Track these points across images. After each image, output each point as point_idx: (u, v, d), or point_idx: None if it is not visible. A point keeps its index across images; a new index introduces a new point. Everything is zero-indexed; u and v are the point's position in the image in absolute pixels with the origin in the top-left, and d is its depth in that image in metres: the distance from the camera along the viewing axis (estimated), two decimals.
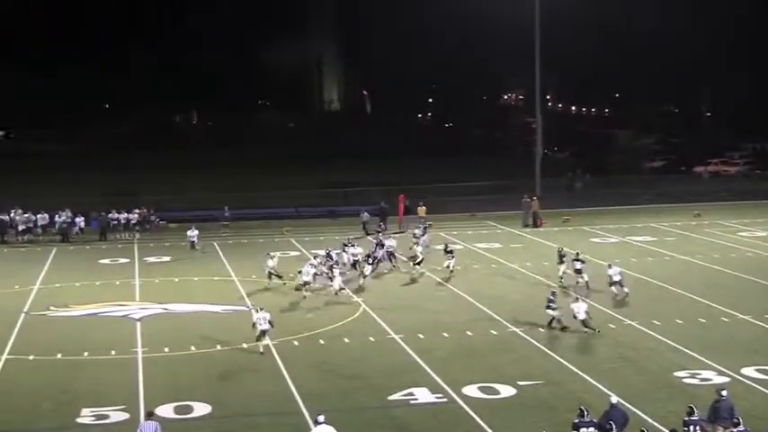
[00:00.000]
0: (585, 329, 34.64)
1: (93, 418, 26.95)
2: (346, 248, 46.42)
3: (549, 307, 35.50)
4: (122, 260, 51.37)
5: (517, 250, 52.72)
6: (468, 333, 35.34)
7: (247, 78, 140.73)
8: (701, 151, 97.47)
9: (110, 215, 59.43)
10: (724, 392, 24.13)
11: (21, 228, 57.43)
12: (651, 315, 37.23)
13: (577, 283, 41.92)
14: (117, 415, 27.12)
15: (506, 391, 28.75)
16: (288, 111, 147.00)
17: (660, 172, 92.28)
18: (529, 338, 34.42)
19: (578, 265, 42.25)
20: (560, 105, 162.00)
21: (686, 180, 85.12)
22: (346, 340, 34.63)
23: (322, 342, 34.44)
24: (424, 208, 59.47)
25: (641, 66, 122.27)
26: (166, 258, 51.59)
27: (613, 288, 40.61)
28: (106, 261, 51.26)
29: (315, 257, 44.56)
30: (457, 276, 45.32)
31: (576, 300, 35.72)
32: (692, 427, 22.59)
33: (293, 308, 39.87)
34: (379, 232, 51.03)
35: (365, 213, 59.35)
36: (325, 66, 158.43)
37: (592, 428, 22.60)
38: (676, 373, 30.12)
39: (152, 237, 58.67)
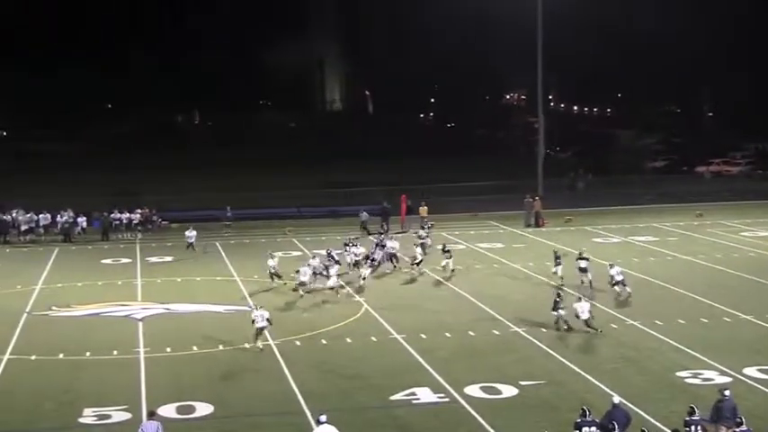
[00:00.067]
0: (588, 329, 34.63)
1: (95, 418, 26.96)
2: (348, 248, 46.36)
3: (555, 308, 35.43)
4: (124, 260, 51.39)
5: (519, 250, 52.71)
6: (471, 333, 35.33)
7: (249, 78, 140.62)
8: (703, 151, 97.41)
9: (112, 215, 59.47)
10: (727, 392, 24.11)
11: (23, 228, 57.43)
12: (653, 315, 37.21)
13: (582, 282, 41.88)
14: (119, 415, 27.13)
15: (508, 390, 28.74)
16: (289, 111, 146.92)
17: (662, 172, 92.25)
18: (531, 338, 34.41)
19: (583, 264, 42.20)
20: (562, 105, 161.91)
21: (688, 180, 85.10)
22: (348, 340, 34.63)
23: (324, 342, 34.44)
24: (425, 208, 59.50)
25: (643, 66, 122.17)
26: (168, 258, 51.61)
27: (616, 288, 40.58)
28: (108, 261, 51.28)
29: (313, 257, 44.54)
30: (459, 276, 45.31)
31: (579, 299, 35.71)
32: (693, 427, 22.58)
33: (295, 308, 39.87)
34: (381, 234, 50.92)
35: (364, 213, 59.35)
36: (327, 66, 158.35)
37: (594, 428, 22.60)
38: (678, 373, 30.12)
39: (154, 237, 58.70)
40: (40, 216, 58.34)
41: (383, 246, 47.66)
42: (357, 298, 41.12)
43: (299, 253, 51.24)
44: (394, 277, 45.77)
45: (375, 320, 37.45)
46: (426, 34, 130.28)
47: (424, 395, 28.48)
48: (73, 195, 66.24)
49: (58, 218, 58.29)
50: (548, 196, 66.25)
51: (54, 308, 40.16)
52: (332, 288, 41.26)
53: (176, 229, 59.66)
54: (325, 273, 42.12)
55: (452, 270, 45.33)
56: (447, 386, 29.08)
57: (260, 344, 33.21)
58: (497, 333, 35.37)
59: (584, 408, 23.13)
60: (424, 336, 34.91)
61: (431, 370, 30.77)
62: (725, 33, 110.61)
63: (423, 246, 48.75)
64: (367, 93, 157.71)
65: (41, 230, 58.09)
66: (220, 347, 33.76)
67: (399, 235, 56.15)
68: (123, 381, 30.19)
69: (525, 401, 27.90)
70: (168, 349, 33.50)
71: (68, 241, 57.07)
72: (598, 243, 54.54)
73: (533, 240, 56.11)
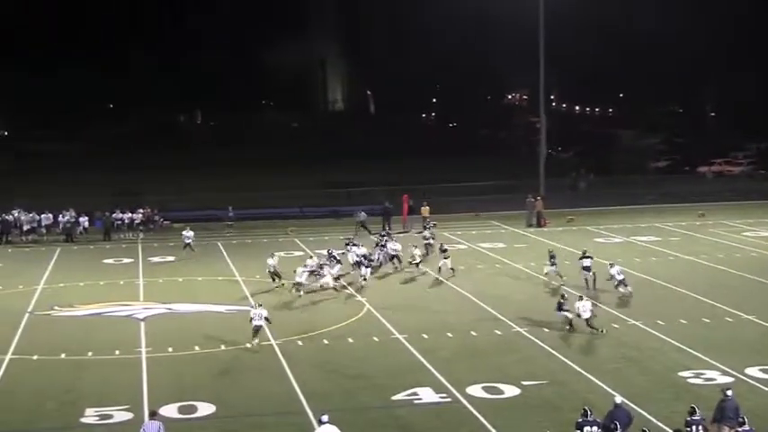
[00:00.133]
0: (589, 329, 34.61)
1: (97, 418, 26.96)
2: (350, 248, 46.28)
3: (560, 308, 35.39)
4: (126, 260, 51.41)
5: (521, 250, 52.69)
6: (473, 333, 35.33)
7: (250, 78, 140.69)
8: (705, 151, 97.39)
9: (114, 215, 59.44)
10: (729, 392, 24.12)
11: (25, 228, 57.45)
12: (655, 315, 37.20)
13: (585, 280, 41.85)
14: (121, 415, 27.14)
15: (510, 390, 28.74)
16: (291, 111, 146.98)
17: (664, 172, 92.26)
18: (533, 338, 34.40)
19: (586, 263, 42.15)
20: (564, 105, 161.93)
21: (690, 180, 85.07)
22: (350, 340, 34.63)
23: (326, 342, 34.44)
24: (427, 208, 59.49)
25: (645, 66, 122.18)
26: (170, 258, 51.61)
27: (620, 288, 40.57)
28: (110, 261, 51.29)
29: (310, 258, 44.56)
30: (461, 276, 45.30)
31: (580, 298, 35.68)
32: (694, 427, 22.56)
33: (296, 308, 39.87)
34: (383, 235, 50.86)
35: (362, 213, 59.30)
36: (329, 66, 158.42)
37: (595, 427, 22.60)
38: (680, 373, 30.11)
39: (156, 237, 58.70)
40: (42, 216, 58.31)
41: (383, 246, 47.68)
42: (359, 298, 41.13)
43: (301, 253, 51.20)
44: (396, 277, 45.78)
45: (377, 320, 37.45)
46: (428, 34, 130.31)
47: (426, 395, 28.48)
48: (73, 195, 66.21)
49: (60, 218, 58.29)
50: (549, 196, 66.23)
51: (56, 308, 40.18)
52: (323, 287, 41.34)
53: (178, 229, 59.50)
54: (319, 272, 42.14)
55: (452, 269, 45.27)
56: (449, 386, 29.08)
57: (256, 342, 33.29)
58: (499, 333, 35.37)
59: (586, 408, 23.14)
60: (425, 336, 34.90)
61: (433, 370, 30.76)
62: (727, 33, 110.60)
63: (428, 246, 48.72)
64: (369, 93, 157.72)
65: (43, 230, 58.07)
66: (222, 347, 33.76)
67: (401, 235, 56.23)
68: (125, 380, 30.20)
69: (527, 401, 27.89)
70: (170, 349, 33.51)
71: (70, 241, 57.09)
72: (600, 243, 54.51)
73: (535, 240, 56.08)
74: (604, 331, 34.73)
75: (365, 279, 43.21)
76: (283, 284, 42.81)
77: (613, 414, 23.25)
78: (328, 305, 40.32)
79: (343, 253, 45.75)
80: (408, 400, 28.10)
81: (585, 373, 30.21)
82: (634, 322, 36.37)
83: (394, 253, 47.03)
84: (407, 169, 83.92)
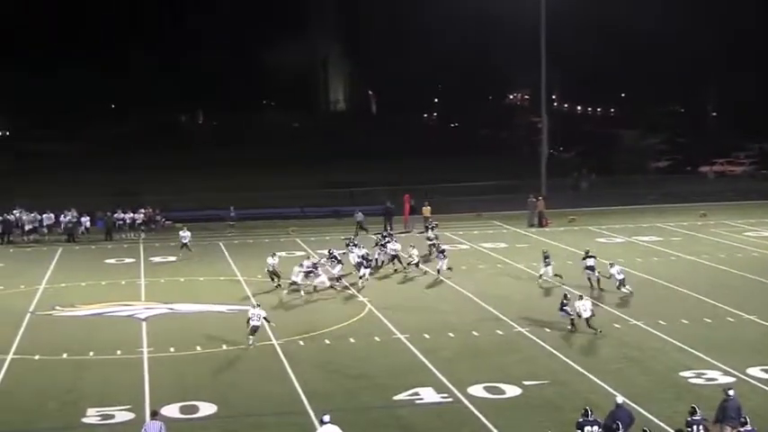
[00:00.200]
0: (588, 328, 34.59)
1: (99, 418, 26.97)
2: (351, 249, 46.22)
3: (562, 308, 35.37)
4: (128, 260, 51.42)
5: (523, 250, 52.67)
6: (474, 333, 35.33)
7: (251, 78, 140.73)
8: (706, 151, 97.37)
9: (115, 215, 59.46)
10: (731, 392, 24.13)
11: (27, 228, 57.48)
12: (657, 315, 37.19)
13: (589, 280, 41.81)
14: (122, 415, 27.15)
15: (512, 390, 28.74)
16: (292, 111, 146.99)
17: (666, 172, 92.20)
18: (534, 338, 34.40)
19: (590, 263, 42.11)
20: (566, 105, 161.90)
21: (692, 180, 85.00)
22: (352, 340, 34.63)
23: (327, 342, 34.44)
24: (429, 208, 59.47)
25: (646, 66, 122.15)
26: (172, 258, 51.61)
27: (623, 288, 40.56)
28: (112, 261, 51.31)
29: (308, 258, 44.56)
30: (462, 276, 45.32)
31: (580, 297, 35.65)
32: (695, 427, 22.57)
33: (298, 308, 39.88)
34: (385, 236, 50.85)
35: (359, 213, 59.23)
36: (330, 66, 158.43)
37: (596, 427, 22.60)
38: (682, 373, 30.11)
39: (157, 237, 58.69)
40: (44, 216, 58.37)
41: (384, 246, 47.66)
42: (360, 298, 41.12)
43: (303, 253, 51.20)
44: (397, 277, 45.79)
45: (378, 320, 37.45)
46: (429, 34, 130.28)
47: (428, 395, 28.48)
48: (74, 195, 66.24)
49: (62, 218, 58.34)
50: (551, 196, 66.22)
51: (57, 308, 40.19)
52: (318, 288, 41.41)
53: (180, 229, 59.62)
54: (315, 272, 42.17)
55: (449, 269, 45.24)
56: (450, 386, 29.08)
57: (251, 339, 33.43)
58: (501, 333, 35.37)
59: (587, 408, 23.14)
60: (427, 336, 34.90)
61: (434, 370, 30.77)
62: (727, 33, 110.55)
63: (432, 247, 48.72)
64: (370, 93, 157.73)
65: (45, 230, 58.12)
66: (224, 347, 33.76)
67: (403, 235, 56.24)
68: (127, 380, 30.21)
69: (529, 401, 27.89)
70: (172, 349, 33.51)
71: (72, 241, 57.11)
72: (602, 243, 54.48)
73: (537, 240, 56.05)
74: (601, 332, 34.67)
75: (366, 279, 43.15)
76: (279, 285, 42.76)
77: (615, 414, 23.25)
78: (329, 305, 40.34)
79: (344, 253, 45.75)
80: (410, 400, 28.11)
81: (587, 373, 30.21)
82: (636, 322, 36.36)
83: (394, 253, 47.00)
84: (409, 169, 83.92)
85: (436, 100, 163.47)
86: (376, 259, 47.17)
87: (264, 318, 34.01)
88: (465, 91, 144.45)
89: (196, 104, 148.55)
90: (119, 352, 33.27)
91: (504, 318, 37.35)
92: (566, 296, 36.18)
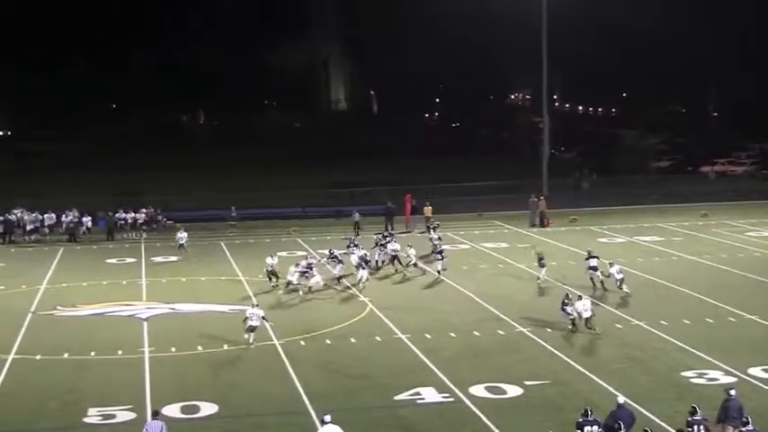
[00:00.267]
0: (587, 328, 34.56)
1: (100, 418, 26.98)
2: (353, 249, 46.14)
3: (564, 308, 35.34)
4: (129, 260, 51.43)
5: (524, 250, 52.61)
6: (476, 333, 35.32)
7: (253, 78, 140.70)
8: (707, 151, 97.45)
9: (117, 215, 59.49)
10: (733, 392, 24.13)
11: (28, 227, 57.49)
12: (658, 315, 37.18)
13: (592, 280, 41.76)
14: (124, 414, 27.15)
15: (513, 390, 28.73)
16: (294, 111, 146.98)
17: (667, 172, 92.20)
18: (536, 338, 34.39)
19: (593, 263, 42.03)
20: (567, 105, 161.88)
21: (693, 180, 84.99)
22: (353, 340, 34.63)
23: (328, 342, 34.44)
24: (430, 208, 59.47)
25: (646, 66, 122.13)
26: (173, 258, 51.61)
27: (624, 288, 40.54)
28: (113, 261, 51.31)
29: (305, 258, 44.56)
30: (464, 276, 45.35)
31: (580, 298, 35.61)
32: (695, 427, 22.57)
33: (299, 308, 39.89)
34: (386, 235, 50.84)
35: (356, 213, 59.19)
36: (332, 66, 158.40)
37: (595, 427, 22.58)
38: (683, 373, 30.10)
39: (159, 236, 58.68)
40: (45, 216, 58.40)
41: (384, 246, 47.63)
42: (361, 298, 41.11)
43: (304, 252, 51.19)
44: (397, 277, 45.78)
45: (379, 320, 37.45)
46: (431, 34, 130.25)
47: (429, 395, 28.47)
48: (74, 195, 66.20)
49: (63, 218, 58.38)
50: (552, 196, 66.22)
51: (59, 307, 40.19)
52: (312, 289, 41.46)
53: (181, 229, 59.67)
54: (309, 272, 42.19)
55: (444, 270, 45.19)
56: (452, 386, 29.07)
57: (246, 338, 33.55)
58: (502, 333, 35.36)
59: (586, 408, 23.13)
60: (428, 336, 34.90)
61: (435, 370, 30.76)
62: (729, 33, 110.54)
63: (436, 248, 48.77)
64: (372, 93, 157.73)
65: (46, 230, 58.14)
66: (225, 347, 33.77)
67: (404, 235, 56.25)
68: (128, 380, 30.21)
69: (530, 401, 27.89)
70: (173, 349, 33.52)
71: (73, 241, 57.12)
72: (603, 243, 54.45)
73: (538, 240, 55.99)
74: (597, 331, 34.63)
75: (366, 280, 43.04)
76: (277, 285, 42.70)
77: (616, 414, 23.24)
78: (330, 305, 40.34)
79: (345, 253, 45.74)
80: (411, 400, 28.10)
81: (588, 373, 30.20)
82: (637, 322, 36.35)
83: (394, 254, 46.96)
84: (410, 169, 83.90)
85: (437, 100, 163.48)
86: (377, 261, 47.13)
87: (263, 317, 34.03)
88: (466, 91, 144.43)
89: (197, 104, 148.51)
90: (120, 352, 33.27)
91: (505, 318, 37.34)
92: (567, 296, 36.15)
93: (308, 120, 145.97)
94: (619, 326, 35.92)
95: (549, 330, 35.23)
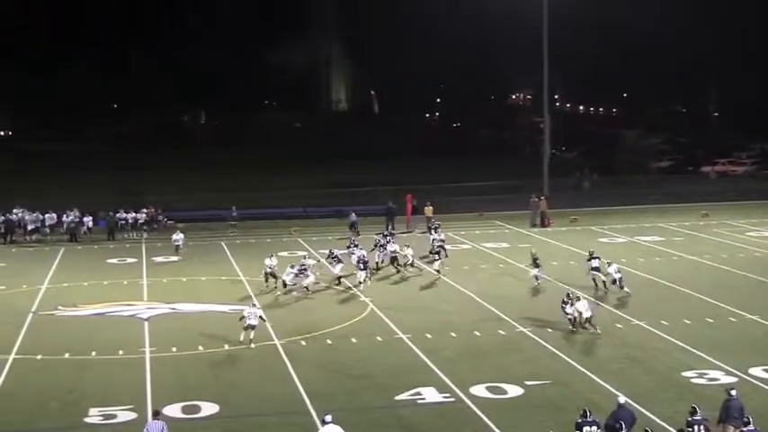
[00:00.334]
0: (586, 328, 34.52)
1: (101, 418, 26.99)
2: (353, 249, 46.05)
3: (564, 308, 35.33)
4: (130, 260, 51.44)
5: (525, 250, 52.30)
6: (476, 333, 35.33)
7: (253, 78, 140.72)
8: (708, 151, 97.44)
9: (118, 215, 59.51)
10: (733, 392, 24.14)
11: (29, 227, 57.50)
12: (659, 315, 37.18)
13: (594, 280, 41.73)
14: (124, 414, 27.16)
15: (514, 390, 28.74)
16: (294, 111, 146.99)
17: (668, 172, 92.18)
18: (536, 338, 34.40)
19: (595, 263, 41.97)
20: (568, 105, 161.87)
21: (694, 180, 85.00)
22: (354, 340, 34.64)
23: (329, 342, 34.45)
24: (431, 208, 59.47)
25: (647, 66, 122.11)
26: (174, 258, 51.64)
27: (624, 288, 40.53)
28: (114, 261, 51.32)
29: (304, 258, 44.55)
30: (464, 276, 45.35)
31: (578, 299, 35.57)
32: (696, 427, 22.58)
33: (300, 308, 39.90)
34: (386, 235, 50.85)
35: (353, 214, 59.12)
36: (333, 66, 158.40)
37: (594, 427, 22.57)
38: (684, 373, 30.10)
39: (160, 236, 58.63)
40: (46, 216, 58.41)
41: (383, 247, 47.60)
42: (362, 298, 41.12)
43: (305, 252, 51.19)
44: (398, 277, 45.77)
45: (380, 320, 37.46)
46: (431, 34, 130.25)
47: (430, 395, 28.48)
48: (74, 195, 66.20)
49: (64, 217, 58.38)
50: (553, 196, 66.19)
51: (60, 307, 40.21)
52: (309, 289, 41.59)
53: (182, 229, 59.61)
54: (304, 272, 42.23)
55: (437, 271, 45.13)
56: (452, 386, 29.08)
57: (243, 337, 33.60)
58: (503, 333, 35.36)
59: (585, 409, 23.10)
60: (429, 336, 34.91)
61: (436, 370, 30.77)
62: (730, 33, 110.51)
63: (440, 248, 48.78)
64: (373, 93, 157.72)
65: (47, 230, 58.17)
66: (226, 347, 33.78)
67: (404, 235, 56.26)
68: (129, 380, 30.23)
69: (531, 401, 27.90)
70: (174, 349, 33.53)
71: (74, 241, 57.13)
72: (604, 243, 54.42)
73: (539, 240, 56.03)
74: (599, 330, 34.66)
75: (364, 281, 42.95)
76: (276, 287, 42.62)
77: (617, 414, 23.24)
78: (331, 305, 40.35)
79: (345, 253, 45.72)
80: (412, 400, 28.11)
81: (589, 373, 30.21)
82: (638, 322, 36.36)
83: (394, 255, 46.93)
84: (411, 169, 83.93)
85: (438, 100, 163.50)
86: (377, 262, 47.05)
87: (260, 317, 34.06)
88: (467, 91, 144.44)
89: (197, 104, 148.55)
90: (121, 352, 33.29)
91: (505, 318, 37.35)
92: (568, 295, 36.12)
93: (309, 120, 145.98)
94: (619, 326, 35.93)
95: (549, 330, 35.23)
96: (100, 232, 58.85)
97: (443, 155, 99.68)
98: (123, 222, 59.41)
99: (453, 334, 35.17)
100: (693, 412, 22.83)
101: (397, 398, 28.28)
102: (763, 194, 72.38)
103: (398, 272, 46.33)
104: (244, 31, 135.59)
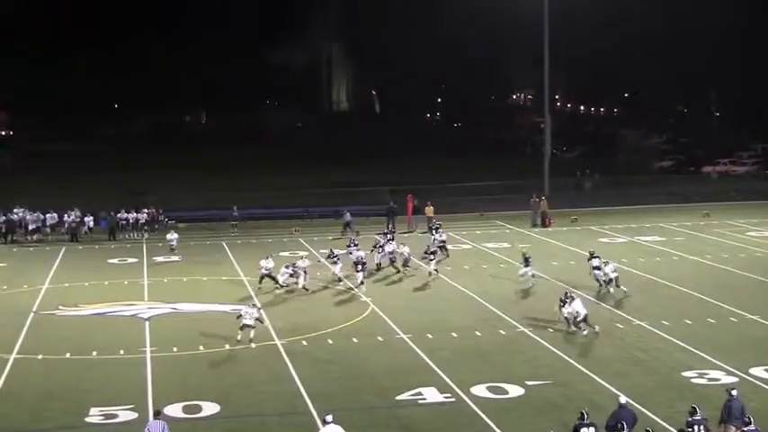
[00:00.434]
0: (580, 327, 34.48)
1: (102, 418, 27.00)
2: (351, 250, 46.00)
3: (562, 309, 35.31)
4: (131, 260, 51.46)
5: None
6: (477, 333, 35.34)
7: (254, 78, 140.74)
8: (709, 151, 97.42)
9: (119, 215, 59.54)
10: (734, 392, 24.12)
11: (30, 227, 57.54)
12: (660, 315, 37.19)
13: (597, 280, 41.72)
14: (125, 414, 27.18)
15: (515, 390, 28.74)
16: (295, 110, 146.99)
17: (669, 172, 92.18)
18: (537, 338, 34.40)
19: (596, 263, 41.97)
20: (569, 105, 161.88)
21: (695, 180, 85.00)
22: (354, 340, 34.65)
23: (330, 342, 34.46)
24: (431, 208, 59.46)
25: (648, 66, 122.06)
26: (175, 258, 51.66)
27: (622, 288, 40.54)
28: (115, 261, 51.35)
29: (301, 258, 44.56)
30: (465, 276, 45.36)
31: (573, 299, 35.50)
32: (696, 427, 22.57)
33: (301, 308, 39.91)
34: (386, 233, 50.90)
35: (347, 214, 59.10)
36: (334, 65, 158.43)
37: (592, 429, 22.50)
38: (685, 373, 30.10)
39: (161, 236, 58.49)
40: (47, 215, 58.46)
41: (382, 247, 47.57)
42: (363, 298, 41.13)
43: (306, 252, 51.21)
44: (399, 277, 45.76)
45: (381, 320, 37.47)
46: (433, 34, 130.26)
47: (431, 395, 28.49)
48: (76, 195, 66.32)
49: (65, 217, 58.41)
50: (554, 196, 66.23)
51: (61, 307, 40.24)
52: (306, 288, 41.67)
53: (183, 229, 59.74)
54: (297, 272, 42.26)
55: (433, 272, 45.03)
56: (453, 386, 29.08)
57: (239, 336, 33.67)
58: (503, 333, 35.37)
59: (583, 411, 23.00)
60: (430, 336, 34.92)
61: (437, 370, 30.77)
62: (731, 33, 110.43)
63: (442, 249, 48.78)
64: (374, 92, 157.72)
65: (48, 230, 58.22)
66: (227, 347, 33.79)
67: (405, 235, 56.28)
68: (130, 380, 30.24)
69: (531, 402, 27.89)
70: (175, 349, 33.55)
71: (75, 241, 57.17)
72: (605, 243, 54.43)
73: (540, 240, 56.08)
74: (597, 329, 34.68)
75: (362, 283, 42.90)
76: (277, 287, 42.57)
77: (618, 414, 23.23)
78: (332, 305, 40.37)
79: (344, 253, 45.72)
80: (412, 400, 28.12)
81: (590, 373, 30.21)
82: (638, 322, 36.36)
83: (392, 256, 46.90)
84: (411, 169, 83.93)
85: (439, 100, 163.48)
86: (378, 263, 47.01)
87: (257, 318, 34.07)
88: (468, 91, 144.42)
89: (199, 104, 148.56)
90: (122, 352, 33.31)
91: (506, 318, 37.36)
92: (566, 294, 36.09)
93: (310, 120, 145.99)
94: (620, 326, 35.93)
95: (550, 330, 35.24)
96: (101, 232, 58.87)
97: (444, 155, 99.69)
98: (124, 222, 59.44)
99: (454, 334, 35.17)
100: (693, 412, 22.83)
101: (398, 398, 28.29)
102: (764, 194, 72.42)
103: (398, 272, 46.31)
104: (245, 31, 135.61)
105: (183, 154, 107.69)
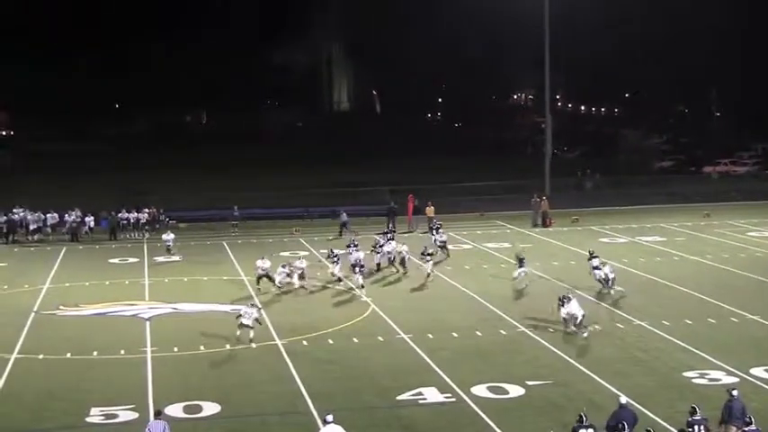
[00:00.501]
0: (576, 328, 34.46)
1: (103, 418, 27.01)
2: (351, 250, 45.95)
3: (560, 309, 35.29)
4: (132, 260, 51.47)
5: (526, 250, 52.43)
6: (478, 333, 35.34)
7: (255, 78, 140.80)
8: (710, 151, 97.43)
9: (119, 215, 59.55)
10: (735, 392, 24.11)
11: (31, 227, 57.54)
12: (660, 315, 37.19)
13: (599, 281, 41.70)
14: (126, 414, 27.18)
15: (515, 391, 28.74)
16: (296, 110, 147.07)
17: (669, 172, 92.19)
18: (538, 338, 34.40)
19: (596, 263, 41.99)
20: (570, 105, 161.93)
21: (696, 180, 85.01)
22: (355, 340, 34.65)
23: (331, 342, 34.47)
24: (432, 208, 59.45)
25: (649, 66, 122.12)
26: (176, 258, 51.65)
27: (618, 288, 40.53)
28: (116, 260, 51.35)
29: (299, 259, 44.55)
30: (466, 276, 45.36)
31: (569, 299, 35.49)
32: (696, 427, 22.57)
33: (301, 308, 39.91)
34: (386, 233, 50.90)
35: (343, 214, 59.06)
36: (334, 65, 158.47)
37: (591, 430, 22.48)
38: (685, 374, 30.09)
39: (161, 236, 58.64)
40: (48, 215, 58.47)
41: (382, 247, 47.55)
42: (363, 298, 41.12)
43: (306, 252, 51.23)
44: (399, 277, 45.77)
45: (382, 320, 37.47)
46: (432, 34, 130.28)
47: (431, 395, 28.49)
48: (76, 195, 66.32)
49: (66, 217, 58.40)
50: (555, 196, 66.26)
51: (61, 307, 40.24)
52: (305, 288, 41.84)
53: (184, 229, 59.79)
54: (293, 273, 42.27)
55: (429, 273, 44.98)
56: (454, 386, 29.08)
57: (238, 333, 33.75)
58: (504, 333, 35.37)
59: (581, 413, 22.95)
60: (430, 336, 34.92)
61: (437, 370, 30.77)
62: (731, 35, 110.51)
63: (443, 249, 48.74)
64: (374, 92, 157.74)
65: (49, 230, 58.23)
66: (227, 347, 33.80)
67: (405, 235, 56.27)
68: (130, 380, 30.24)
69: (532, 402, 27.89)
70: (175, 349, 33.55)
71: (76, 241, 57.18)
72: (605, 243, 54.44)
73: (540, 240, 56.09)
74: (598, 328, 34.65)
75: (362, 286, 42.84)
76: (277, 288, 42.57)
77: (619, 414, 23.22)
78: (332, 305, 40.36)
79: (344, 253, 45.70)
80: (413, 400, 28.12)
81: (590, 374, 30.21)
82: (639, 322, 36.36)
83: (390, 256, 46.86)
84: (412, 169, 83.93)
85: (440, 100, 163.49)
86: (378, 264, 46.97)
87: (256, 319, 34.06)
88: (468, 91, 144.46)
89: (199, 104, 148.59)
90: (122, 351, 33.32)
91: (507, 318, 37.36)
92: (564, 295, 36.04)
93: (310, 120, 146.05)
94: (620, 326, 35.94)
95: (551, 330, 35.24)
96: (101, 232, 58.87)
97: (445, 154, 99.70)
98: (125, 222, 59.44)
99: (455, 334, 35.18)
100: (693, 412, 22.82)
101: (399, 398, 28.29)
102: (764, 194, 72.42)
103: (398, 271, 46.31)
104: (245, 31, 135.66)
105: (183, 154, 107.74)
